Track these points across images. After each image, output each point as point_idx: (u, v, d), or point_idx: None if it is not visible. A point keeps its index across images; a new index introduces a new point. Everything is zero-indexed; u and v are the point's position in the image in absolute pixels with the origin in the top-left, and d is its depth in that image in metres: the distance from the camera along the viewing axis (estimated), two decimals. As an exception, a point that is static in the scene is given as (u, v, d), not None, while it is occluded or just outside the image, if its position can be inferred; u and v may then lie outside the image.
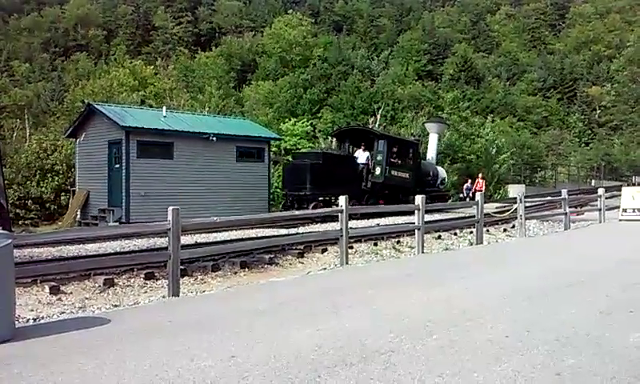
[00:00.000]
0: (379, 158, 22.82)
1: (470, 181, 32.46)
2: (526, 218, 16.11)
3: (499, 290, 7.64)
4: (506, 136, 47.20)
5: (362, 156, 22.97)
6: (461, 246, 15.41)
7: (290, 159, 22.68)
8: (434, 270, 10.01)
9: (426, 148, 28.91)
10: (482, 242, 14.50)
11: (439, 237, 16.33)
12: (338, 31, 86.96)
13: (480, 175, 32.47)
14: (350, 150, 24.02)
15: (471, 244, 15.32)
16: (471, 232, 16.27)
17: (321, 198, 21.01)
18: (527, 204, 17.54)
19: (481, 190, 32.01)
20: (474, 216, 14.95)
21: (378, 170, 22.70)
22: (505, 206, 20.68)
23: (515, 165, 44.27)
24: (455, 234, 17.07)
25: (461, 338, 5.36)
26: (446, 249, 14.88)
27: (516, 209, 16.02)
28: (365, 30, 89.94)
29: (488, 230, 17.37)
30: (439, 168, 27.88)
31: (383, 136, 24.15)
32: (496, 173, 39.05)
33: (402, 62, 70.56)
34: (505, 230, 18.53)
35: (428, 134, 30.18)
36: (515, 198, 17.28)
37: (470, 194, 31.41)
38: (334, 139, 27.29)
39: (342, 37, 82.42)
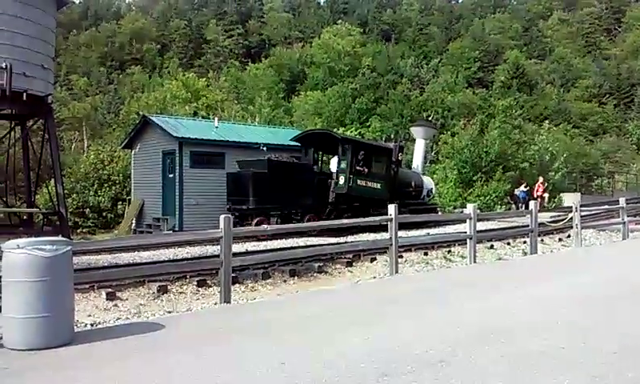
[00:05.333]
0: (343, 165, 19.82)
1: (523, 185, 31.55)
2: (582, 228, 15.64)
3: (554, 301, 7.44)
4: (561, 143, 45.98)
5: (334, 164, 20.58)
6: (514, 256, 15.06)
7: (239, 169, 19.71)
8: (486, 279, 9.82)
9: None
10: (536, 252, 14.14)
11: (492, 246, 16.02)
12: (387, 40, 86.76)
13: (541, 179, 31.66)
14: (315, 157, 21.57)
15: (525, 254, 14.95)
16: (525, 242, 15.90)
17: (277, 213, 18.53)
18: (583, 213, 17.03)
19: (542, 196, 31.39)
20: (527, 225, 14.61)
21: (341, 180, 19.73)
22: (560, 215, 20.13)
23: (570, 173, 43.06)
24: (508, 243, 16.70)
25: (515, 348, 5.23)
26: (499, 258, 14.57)
27: (571, 218, 15.58)
28: (414, 39, 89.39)
29: (542, 240, 16.93)
30: (425, 178, 24.91)
31: (347, 140, 21.21)
32: (550, 181, 38.07)
33: (451, 70, 69.78)
34: (560, 240, 18.03)
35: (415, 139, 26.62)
36: (570, 207, 16.79)
37: (534, 198, 30.58)
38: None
39: (391, 46, 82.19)
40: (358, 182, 19.97)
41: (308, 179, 19.52)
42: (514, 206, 30.95)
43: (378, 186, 20.70)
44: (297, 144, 22.20)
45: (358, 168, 19.95)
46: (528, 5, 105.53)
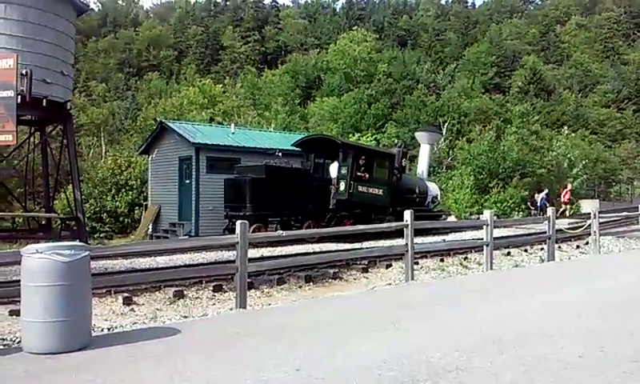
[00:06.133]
0: (343, 171, 19.47)
1: (544, 192, 31.26)
2: (600, 235, 15.48)
3: (572, 308, 7.37)
4: (579, 149, 45.62)
5: (334, 170, 20.19)
6: (531, 263, 14.94)
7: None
8: (503, 286, 9.76)
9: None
10: (553, 259, 14.03)
11: (508, 253, 15.89)
12: (403, 46, 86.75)
13: (569, 186, 31.40)
14: (316, 163, 21.12)
15: (542, 261, 14.83)
16: (542, 248, 15.77)
17: (277, 219, 18.10)
18: (602, 220, 16.85)
19: (567, 202, 31.13)
20: (544, 232, 14.49)
21: (342, 186, 19.37)
22: (578, 222, 19.93)
23: (589, 179, 42.67)
24: (525, 250, 16.57)
25: (531, 356, 5.19)
26: (516, 265, 14.46)
27: (590, 225, 15.42)
28: (430, 44, 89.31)
29: (560, 247, 16.78)
30: (430, 184, 24.35)
31: (348, 146, 20.93)
32: (564, 187, 37.72)
33: (468, 75, 69.60)
34: (578, 247, 17.85)
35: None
36: (589, 214, 16.63)
37: (563, 203, 30.42)
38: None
39: (407, 51, 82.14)
40: (359, 188, 19.62)
41: (307, 185, 19.22)
42: (533, 212, 30.57)
43: (380, 192, 20.30)
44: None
45: (358, 174, 19.61)
46: (545, 10, 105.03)
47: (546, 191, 31.44)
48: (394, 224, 13.44)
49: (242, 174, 18.97)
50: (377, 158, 20.81)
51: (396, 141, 41.43)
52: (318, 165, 21.13)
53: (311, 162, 20.88)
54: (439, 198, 24.85)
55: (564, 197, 31.16)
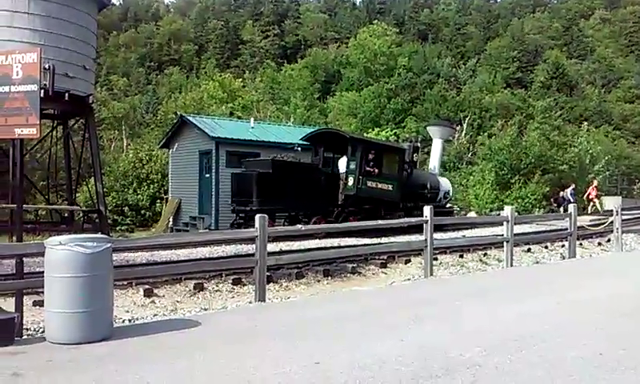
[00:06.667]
0: (352, 166, 19.01)
1: (571, 187, 30.88)
2: (622, 232, 15.27)
3: (593, 306, 7.29)
4: (601, 145, 44.98)
5: (342, 164, 19.73)
6: (552, 260, 14.80)
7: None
8: (523, 283, 9.68)
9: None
10: (574, 256, 13.88)
11: (529, 250, 15.76)
12: (424, 40, 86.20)
13: (595, 182, 31.00)
14: (325, 157, 20.69)
15: (563, 258, 14.69)
16: (563, 245, 15.61)
17: (285, 214, 17.90)
18: (624, 217, 16.62)
19: (593, 199, 30.77)
20: (565, 228, 14.34)
21: (350, 181, 18.95)
22: (600, 219, 19.68)
23: (611, 176, 42.07)
24: (546, 247, 16.41)
25: (552, 354, 5.15)
26: (537, 262, 14.34)
27: (612, 221, 15.23)
28: (451, 38, 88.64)
29: (581, 244, 16.59)
30: (442, 179, 23.79)
31: (356, 140, 20.38)
32: (590, 184, 37.25)
33: (489, 70, 68.97)
34: (600, 244, 17.64)
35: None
36: (611, 211, 16.41)
37: (589, 200, 30.10)
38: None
39: (428, 45, 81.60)
40: (368, 183, 19.19)
41: (315, 180, 18.86)
42: (555, 207, 30.08)
43: (390, 187, 19.83)
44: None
45: (367, 169, 19.18)
46: (569, 4, 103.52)
47: (573, 186, 31.06)
48: (413, 219, 13.38)
49: (250, 168, 18.75)
50: (386, 153, 20.49)
51: (415, 135, 41.31)
52: (328, 159, 20.78)
53: (320, 157, 20.52)
54: (451, 194, 24.35)
55: (590, 193, 30.80)
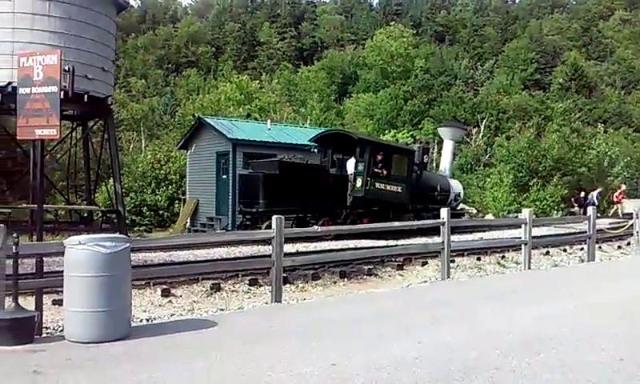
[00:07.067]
0: (360, 167, 18.84)
1: (597, 190, 30.61)
2: (643, 235, 15.08)
3: (612, 309, 7.20)
4: (621, 148, 44.46)
5: (351, 166, 19.50)
6: (571, 263, 14.65)
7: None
8: (541, 286, 9.60)
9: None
10: (593, 259, 13.73)
11: (547, 253, 15.61)
12: (440, 41, 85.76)
13: (623, 186, 30.78)
14: (334, 159, 20.45)
15: (582, 261, 14.53)
16: (582, 248, 15.44)
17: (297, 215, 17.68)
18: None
19: (619, 202, 30.51)
20: (584, 231, 14.20)
21: (358, 183, 18.75)
22: (619, 222, 19.45)
23: (631, 178, 41.55)
24: (565, 250, 16.25)
25: (570, 358, 5.10)
26: (555, 265, 14.20)
27: (632, 225, 15.04)
28: (468, 40, 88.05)
29: (600, 247, 16.40)
30: (453, 181, 23.45)
31: (365, 141, 20.12)
32: (609, 187, 36.87)
33: (507, 72, 68.44)
34: (619, 247, 17.42)
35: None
36: (631, 214, 16.22)
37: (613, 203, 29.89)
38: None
39: (445, 47, 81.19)
40: (376, 184, 18.99)
41: (322, 181, 18.60)
42: (580, 208, 29.60)
43: (398, 189, 19.63)
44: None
45: (376, 170, 19.00)
46: (588, 4, 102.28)
47: (599, 189, 30.77)
48: (431, 221, 13.31)
49: (256, 169, 18.59)
50: (395, 154, 20.27)
51: (431, 137, 41.17)
52: (337, 161, 20.58)
53: (329, 158, 20.32)
54: (462, 196, 24.12)
55: (617, 196, 30.56)
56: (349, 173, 19.37)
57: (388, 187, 19.36)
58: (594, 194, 30.32)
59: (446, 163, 23.89)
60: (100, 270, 5.58)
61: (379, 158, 19.21)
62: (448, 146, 24.29)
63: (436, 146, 26.62)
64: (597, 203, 26.83)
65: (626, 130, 57.90)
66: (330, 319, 6.82)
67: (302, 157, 20.03)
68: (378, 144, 20.85)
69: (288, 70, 71.39)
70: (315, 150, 21.61)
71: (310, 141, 21.60)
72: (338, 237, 16.27)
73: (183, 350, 5.37)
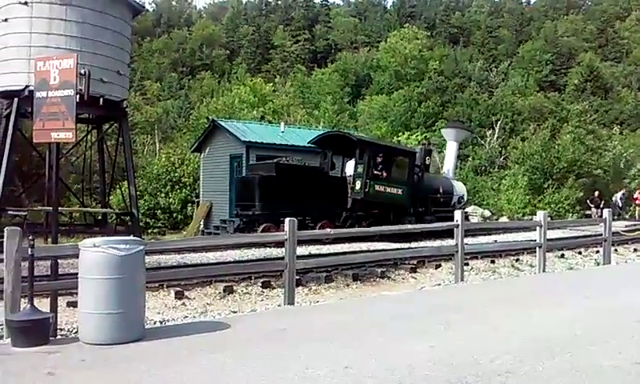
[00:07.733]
0: (360, 169, 18.53)
1: (621, 191, 30.36)
2: (660, 238, 14.91)
3: (628, 313, 7.12)
4: (637, 149, 43.99)
5: (350, 168, 19.22)
6: (586, 266, 14.52)
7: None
8: (556, 289, 9.52)
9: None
10: (609, 262, 13.59)
11: (562, 255, 15.48)
12: (455, 43, 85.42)
13: None
14: (333, 160, 20.18)
15: (597, 264, 14.38)
16: (597, 251, 15.29)
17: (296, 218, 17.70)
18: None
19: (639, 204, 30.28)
20: (600, 234, 14.06)
21: (357, 185, 18.43)
22: (636, 225, 19.24)
23: (648, 181, 41.10)
24: (580, 253, 16.10)
25: (585, 362, 5.05)
26: (570, 268, 14.07)
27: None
28: (482, 42, 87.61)
29: (616, 250, 16.22)
30: (456, 183, 23.01)
31: (364, 143, 19.74)
32: (626, 188, 36.51)
33: (522, 73, 68.00)
34: (635, 250, 17.23)
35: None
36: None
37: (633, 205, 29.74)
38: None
39: (459, 49, 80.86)
40: (376, 187, 18.70)
41: (321, 183, 18.26)
42: (594, 211, 29.32)
43: (399, 191, 19.34)
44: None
45: (375, 172, 18.75)
46: (604, 5, 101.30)
47: (623, 191, 30.52)
48: (445, 224, 13.21)
49: (253, 172, 18.40)
50: (396, 156, 20.09)
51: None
52: (336, 163, 20.40)
53: (328, 160, 20.00)
54: (465, 199, 23.67)
55: (638, 198, 30.32)
56: (348, 175, 19.18)
57: (388, 189, 19.14)
58: (618, 195, 30.02)
59: (449, 165, 23.54)
60: (114, 273, 5.62)
61: (379, 159, 19.01)
62: (451, 148, 23.95)
63: (432, 148, 26.21)
64: (620, 205, 26.45)
65: (642, 132, 57.26)
66: (342, 322, 6.81)
67: (300, 159, 19.84)
68: (378, 146, 20.68)
69: (302, 72, 71.47)
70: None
71: (309, 142, 21.40)
72: (339, 239, 16.14)
73: (197, 352, 5.39)
